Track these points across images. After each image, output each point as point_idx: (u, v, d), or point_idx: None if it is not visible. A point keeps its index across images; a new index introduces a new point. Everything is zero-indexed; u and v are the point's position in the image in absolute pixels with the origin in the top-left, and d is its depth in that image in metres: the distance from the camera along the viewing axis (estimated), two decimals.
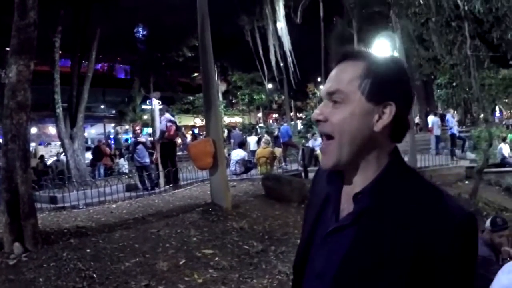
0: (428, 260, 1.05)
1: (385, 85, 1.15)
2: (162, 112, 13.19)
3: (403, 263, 1.06)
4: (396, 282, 1.06)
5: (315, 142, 19.51)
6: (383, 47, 18.20)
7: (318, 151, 18.81)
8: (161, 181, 12.46)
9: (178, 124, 14.90)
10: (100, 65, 37.44)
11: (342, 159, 1.16)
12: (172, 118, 12.87)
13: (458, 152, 17.62)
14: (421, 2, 12.93)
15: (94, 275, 5.65)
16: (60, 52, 13.78)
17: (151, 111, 32.83)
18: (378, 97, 1.15)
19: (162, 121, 12.61)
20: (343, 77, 1.17)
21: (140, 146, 12.69)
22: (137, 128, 17.34)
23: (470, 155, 18.09)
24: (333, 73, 1.21)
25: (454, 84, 23.57)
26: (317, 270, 1.21)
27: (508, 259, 4.36)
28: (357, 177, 1.18)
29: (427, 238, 1.05)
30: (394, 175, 1.16)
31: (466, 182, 13.99)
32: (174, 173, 12.18)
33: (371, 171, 1.17)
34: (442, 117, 20.19)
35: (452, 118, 18.56)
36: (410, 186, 1.14)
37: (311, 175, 14.43)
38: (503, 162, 16.80)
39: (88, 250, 6.39)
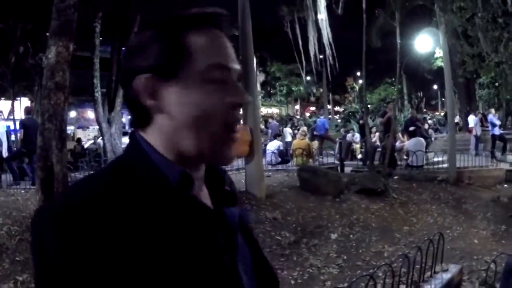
0: None
1: None
2: None
3: None
4: None
5: (353, 137, 19.36)
6: (426, 42, 17.82)
7: (355, 145, 18.67)
8: None
9: None
10: None
11: None
12: None
13: (498, 154, 17.14)
14: None
15: None
16: (100, 38, 13.90)
17: None
18: None
19: None
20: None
21: None
22: None
23: (511, 158, 17.58)
24: (228, 43, 0.95)
25: (497, 84, 22.96)
26: None
27: None
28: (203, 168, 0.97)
29: None
30: None
31: (506, 185, 13.56)
32: None
33: None
34: (483, 118, 19.67)
35: (495, 118, 18.05)
36: None
37: (347, 169, 14.26)
38: None
39: None
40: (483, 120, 19.32)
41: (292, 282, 6.25)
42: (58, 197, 1.04)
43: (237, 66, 0.93)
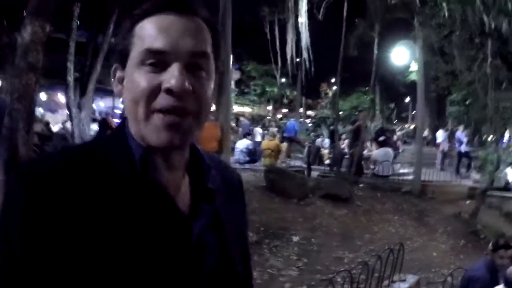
0: None
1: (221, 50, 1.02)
2: None
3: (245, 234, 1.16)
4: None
5: (322, 142, 19.49)
6: (402, 54, 18.07)
7: (324, 151, 18.80)
8: None
9: None
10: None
11: (193, 137, 0.96)
12: None
13: (463, 171, 17.48)
14: (446, 14, 12.76)
15: None
16: (78, 22, 13.69)
17: None
18: (219, 66, 1.01)
19: None
20: (206, 37, 0.95)
21: None
22: None
23: (475, 175, 17.94)
24: (187, 26, 0.93)
25: (467, 102, 23.37)
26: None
27: None
28: (181, 157, 0.98)
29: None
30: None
31: (467, 202, 13.83)
32: None
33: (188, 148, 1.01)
34: (451, 134, 20.03)
35: (462, 136, 18.41)
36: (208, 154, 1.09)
37: (314, 174, 14.35)
38: (507, 187, 16.65)
39: None
40: (451, 137, 19.66)
41: None
42: (31, 160, 1.13)
43: (181, 49, 0.90)
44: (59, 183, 0.85)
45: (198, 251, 0.95)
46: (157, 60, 0.89)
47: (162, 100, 0.88)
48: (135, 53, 0.91)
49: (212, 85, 0.96)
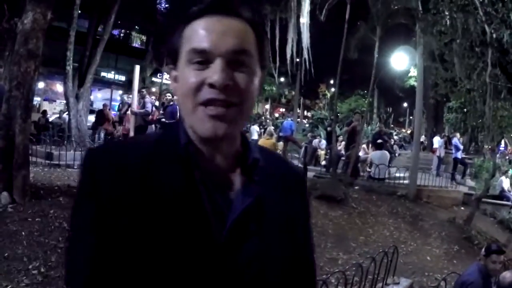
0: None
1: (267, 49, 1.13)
2: (142, 94, 12.57)
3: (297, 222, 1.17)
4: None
5: (319, 143, 19.49)
6: (402, 60, 18.08)
7: (320, 152, 18.81)
8: None
9: None
10: (117, 31, 37.24)
11: (238, 128, 1.08)
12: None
13: (458, 177, 17.55)
14: (448, 22, 12.77)
15: None
16: (79, 11, 13.64)
17: (160, 85, 32.86)
18: (264, 62, 1.11)
19: (147, 103, 12.13)
20: (248, 36, 1.06)
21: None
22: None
23: (470, 182, 18.01)
24: (229, 26, 1.04)
25: (465, 110, 23.42)
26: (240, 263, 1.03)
27: None
28: (229, 148, 1.09)
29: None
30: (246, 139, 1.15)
31: (462, 208, 13.90)
32: None
33: (238, 139, 1.12)
34: (448, 140, 20.09)
35: (459, 142, 18.47)
36: (265, 150, 1.20)
37: (310, 174, 14.33)
38: (501, 195, 16.75)
39: None
40: (448, 143, 19.72)
41: None
42: (100, 145, 1.31)
43: (223, 47, 1.00)
44: (109, 158, 1.05)
45: (235, 237, 1.02)
46: (202, 59, 1.01)
47: (206, 94, 1.00)
48: (184, 53, 1.04)
49: (255, 80, 1.06)
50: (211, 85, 0.99)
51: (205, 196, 1.02)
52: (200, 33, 1.02)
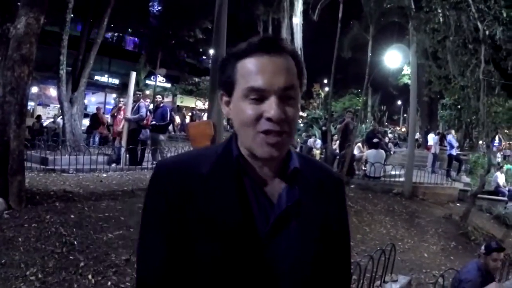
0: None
1: (305, 75, 1.31)
2: (136, 97, 12.53)
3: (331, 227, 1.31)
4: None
5: (314, 142, 19.50)
6: (396, 58, 18.10)
7: (315, 151, 18.82)
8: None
9: (179, 104, 14.71)
10: (110, 34, 37.13)
11: (287, 149, 1.29)
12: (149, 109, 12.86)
13: (453, 173, 17.59)
14: (441, 20, 12.80)
15: (75, 242, 5.53)
16: (72, 15, 13.59)
17: (154, 87, 32.80)
18: (303, 87, 1.30)
19: (141, 107, 12.12)
20: (293, 70, 1.25)
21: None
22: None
23: (465, 178, 18.06)
24: (278, 65, 1.22)
25: (459, 106, 23.50)
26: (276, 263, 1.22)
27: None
28: (273, 162, 1.28)
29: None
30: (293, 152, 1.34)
31: (458, 204, 13.94)
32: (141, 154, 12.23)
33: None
34: (442, 137, 20.15)
35: (453, 139, 18.51)
36: (304, 158, 1.38)
37: None
38: (497, 191, 16.83)
39: (72, 216, 6.27)
40: (442, 140, 19.76)
41: None
42: (169, 157, 1.52)
43: (276, 86, 1.20)
44: (172, 170, 1.28)
45: (275, 233, 1.22)
46: (258, 96, 1.20)
47: (264, 126, 1.19)
48: (240, 88, 1.23)
49: (298, 107, 1.27)
50: (269, 119, 1.18)
51: (252, 198, 1.23)
52: (255, 73, 1.20)
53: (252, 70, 1.21)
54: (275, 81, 1.20)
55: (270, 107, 1.19)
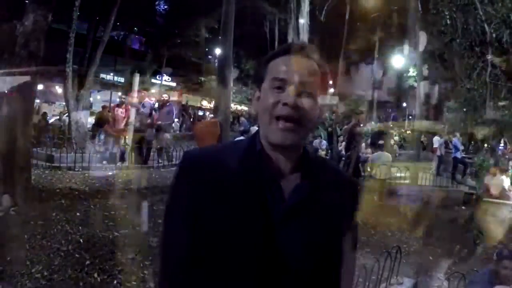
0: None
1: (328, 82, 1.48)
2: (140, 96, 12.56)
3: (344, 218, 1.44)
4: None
5: (320, 143, 19.48)
6: (402, 60, 18.07)
7: (321, 152, 18.78)
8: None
9: (185, 103, 14.74)
10: (116, 33, 37.17)
11: (300, 139, 1.39)
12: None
13: (458, 176, 17.52)
14: (448, 22, 12.76)
15: (81, 240, 5.54)
16: (78, 13, 13.60)
17: (160, 86, 32.81)
18: (326, 91, 1.44)
19: (146, 106, 12.13)
20: (313, 72, 1.39)
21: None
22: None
23: (470, 181, 17.96)
24: (300, 63, 1.38)
25: (465, 109, 23.41)
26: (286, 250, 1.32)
27: None
28: (292, 155, 1.40)
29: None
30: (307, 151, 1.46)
31: (463, 207, 13.86)
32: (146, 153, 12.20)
33: (301, 150, 1.44)
34: (448, 140, 20.03)
35: (459, 142, 18.42)
36: (317, 156, 1.54)
37: None
38: (502, 194, 16.71)
39: (78, 214, 6.28)
40: (447, 142, 19.66)
41: None
42: (194, 149, 1.72)
43: (295, 77, 1.35)
44: (197, 161, 1.41)
45: (287, 220, 1.33)
46: (280, 85, 1.36)
47: (280, 110, 1.34)
48: (267, 80, 1.39)
49: (316, 104, 1.38)
50: (285, 104, 1.33)
51: (268, 189, 1.34)
52: (280, 67, 1.38)
53: (278, 65, 1.39)
54: (295, 74, 1.36)
55: (287, 94, 1.34)
